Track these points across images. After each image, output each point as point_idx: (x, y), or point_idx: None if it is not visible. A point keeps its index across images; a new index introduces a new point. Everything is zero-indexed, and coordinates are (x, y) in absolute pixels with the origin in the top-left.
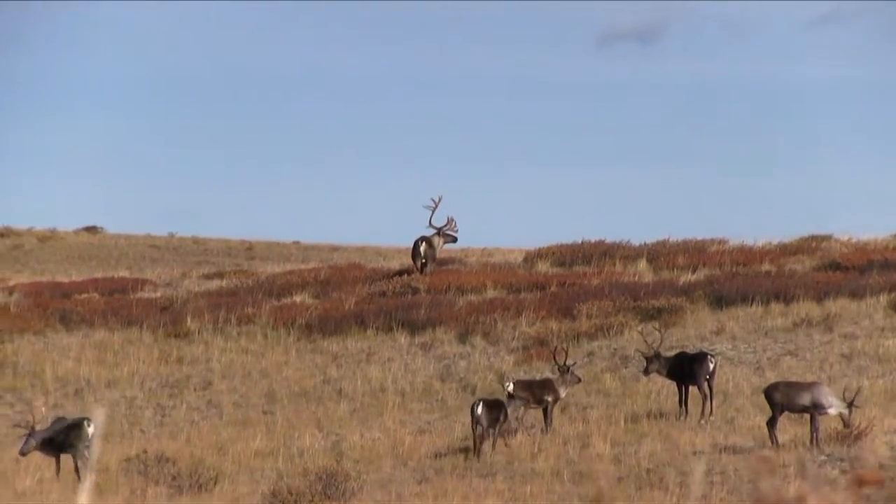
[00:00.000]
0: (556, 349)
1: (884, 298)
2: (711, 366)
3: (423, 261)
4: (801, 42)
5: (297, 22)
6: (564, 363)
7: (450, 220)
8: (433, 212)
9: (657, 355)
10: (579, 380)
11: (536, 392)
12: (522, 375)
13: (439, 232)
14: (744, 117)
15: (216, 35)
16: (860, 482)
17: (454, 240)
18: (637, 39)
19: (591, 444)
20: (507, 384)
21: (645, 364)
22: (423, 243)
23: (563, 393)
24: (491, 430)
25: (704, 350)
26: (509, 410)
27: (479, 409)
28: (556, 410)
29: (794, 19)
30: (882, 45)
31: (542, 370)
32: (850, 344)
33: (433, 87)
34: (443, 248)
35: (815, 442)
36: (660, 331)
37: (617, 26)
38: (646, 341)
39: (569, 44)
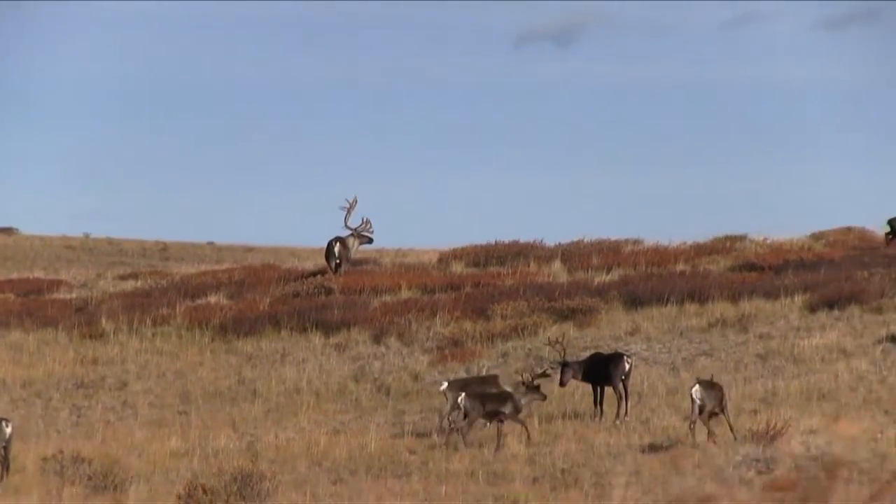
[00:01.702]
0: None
1: (799, 299)
2: (627, 366)
3: (338, 261)
4: (717, 42)
5: (206, 25)
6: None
7: (365, 222)
8: (348, 213)
9: (567, 363)
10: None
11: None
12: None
13: (354, 233)
14: (659, 118)
15: (130, 36)
16: (774, 487)
17: (370, 241)
18: (553, 40)
19: (506, 445)
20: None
21: (560, 375)
22: (338, 244)
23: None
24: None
25: (620, 350)
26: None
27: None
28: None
29: (710, 20)
30: (800, 43)
31: (457, 371)
32: (765, 344)
33: (345, 86)
34: (358, 250)
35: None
36: (559, 342)
37: (533, 27)
38: (558, 351)
39: (485, 44)
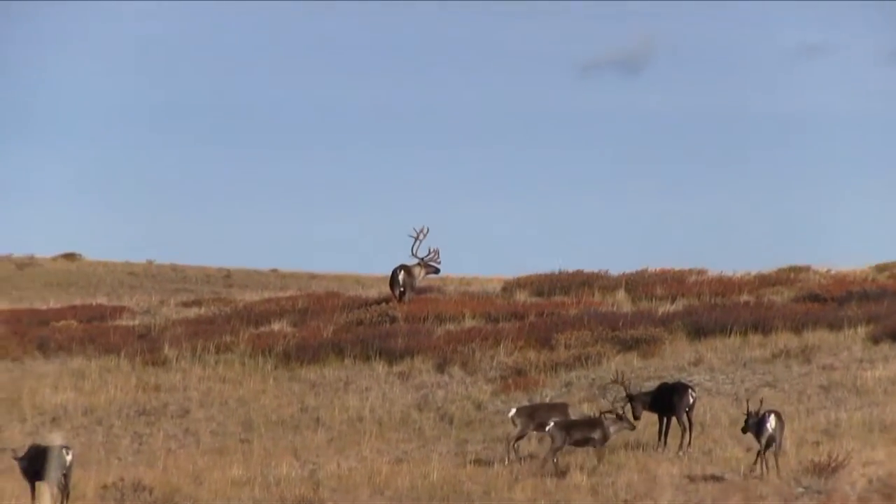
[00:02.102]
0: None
1: (862, 330)
2: (692, 398)
3: (402, 289)
4: (783, 72)
5: (278, 51)
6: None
7: (433, 252)
8: (417, 242)
9: (633, 396)
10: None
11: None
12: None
13: (422, 262)
14: (723, 147)
15: (197, 59)
16: None
17: (436, 271)
18: (619, 68)
19: (569, 475)
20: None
21: (632, 410)
22: (402, 272)
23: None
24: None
25: (684, 382)
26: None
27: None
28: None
29: (776, 49)
30: (868, 75)
31: (520, 400)
32: (828, 375)
33: (410, 112)
34: (424, 278)
35: None
36: (619, 381)
37: (599, 54)
38: (624, 386)
39: (550, 73)
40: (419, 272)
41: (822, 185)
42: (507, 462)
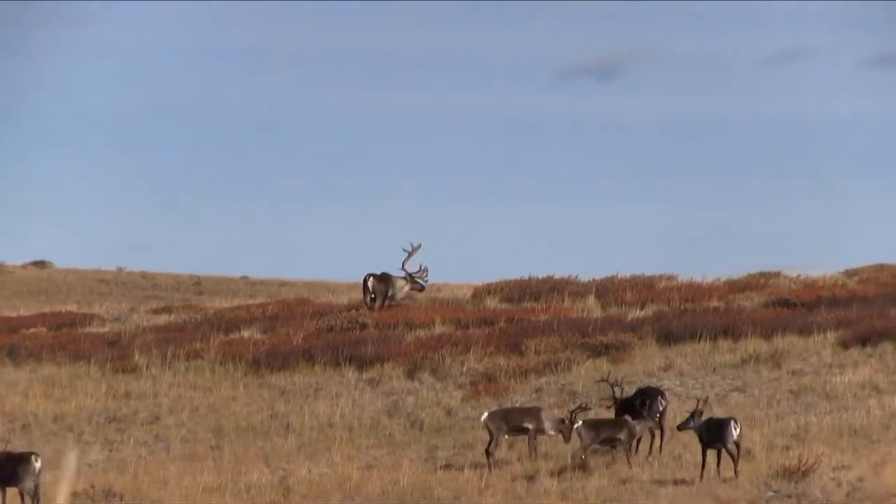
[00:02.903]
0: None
1: (832, 335)
2: (663, 405)
3: (372, 296)
4: (759, 79)
5: (244, 57)
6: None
7: (423, 269)
8: (409, 256)
9: (618, 400)
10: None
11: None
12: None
13: (408, 277)
14: (695, 153)
15: (165, 67)
16: None
17: (421, 288)
18: (593, 75)
19: (539, 480)
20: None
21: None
22: (371, 279)
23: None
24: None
25: (654, 386)
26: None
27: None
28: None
29: (753, 56)
30: (843, 80)
31: (490, 405)
32: (797, 380)
33: (380, 119)
34: (406, 292)
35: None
36: (605, 380)
37: (574, 61)
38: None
39: (525, 79)
40: (402, 285)
41: (792, 191)
42: (490, 467)
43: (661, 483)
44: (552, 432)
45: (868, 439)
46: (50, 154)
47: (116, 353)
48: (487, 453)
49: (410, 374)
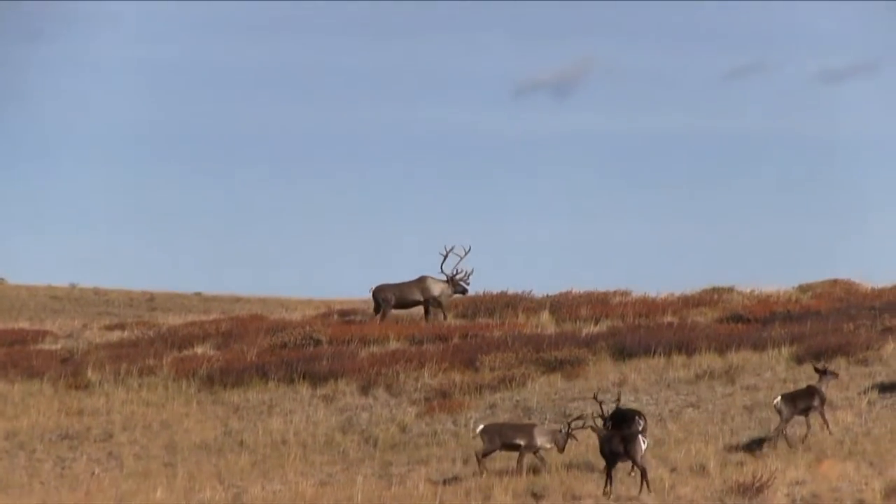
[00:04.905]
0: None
1: (786, 350)
2: (641, 425)
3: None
4: (716, 95)
5: (192, 73)
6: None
7: (467, 272)
8: (445, 260)
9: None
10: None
11: None
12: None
13: (449, 280)
14: (648, 168)
15: (111, 83)
16: None
17: (464, 291)
18: (549, 91)
19: (493, 497)
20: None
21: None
22: (374, 290)
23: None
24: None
25: (622, 408)
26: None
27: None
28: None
29: (710, 72)
30: (796, 95)
31: (444, 422)
32: (752, 396)
33: (333, 138)
34: (450, 297)
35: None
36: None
37: (531, 77)
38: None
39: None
40: (445, 288)
41: (745, 206)
42: (482, 476)
43: (615, 500)
44: (548, 446)
45: (823, 454)
46: (1, 169)
47: (69, 369)
48: (478, 459)
49: (364, 390)
